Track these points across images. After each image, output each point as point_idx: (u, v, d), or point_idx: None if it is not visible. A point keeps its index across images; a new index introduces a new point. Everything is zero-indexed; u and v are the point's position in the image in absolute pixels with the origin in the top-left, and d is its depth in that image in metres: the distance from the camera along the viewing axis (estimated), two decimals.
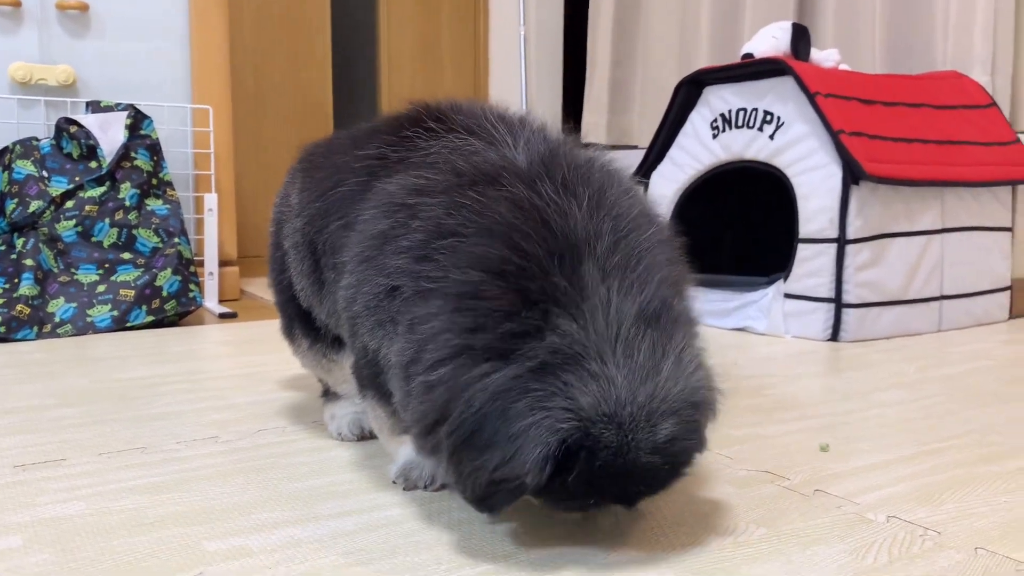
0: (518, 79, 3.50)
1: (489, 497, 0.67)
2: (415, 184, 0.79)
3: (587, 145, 0.87)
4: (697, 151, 2.05)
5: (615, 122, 3.35)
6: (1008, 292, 2.05)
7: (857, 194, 1.74)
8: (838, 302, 1.76)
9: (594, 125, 3.33)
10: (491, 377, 0.65)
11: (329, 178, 0.93)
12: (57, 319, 1.79)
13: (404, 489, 0.87)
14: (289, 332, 1.10)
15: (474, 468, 0.66)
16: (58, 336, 1.77)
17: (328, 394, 1.10)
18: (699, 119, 2.06)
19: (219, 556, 0.72)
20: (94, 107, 2.04)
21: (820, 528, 0.78)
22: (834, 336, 1.77)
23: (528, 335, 0.66)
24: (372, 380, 0.84)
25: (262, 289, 2.56)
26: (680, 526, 0.78)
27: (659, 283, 0.71)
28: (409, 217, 0.76)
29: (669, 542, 0.75)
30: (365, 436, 1.05)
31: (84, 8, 2.10)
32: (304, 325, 1.05)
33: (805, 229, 1.81)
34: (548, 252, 0.68)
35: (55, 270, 1.85)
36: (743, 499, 0.85)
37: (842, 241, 1.75)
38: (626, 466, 0.66)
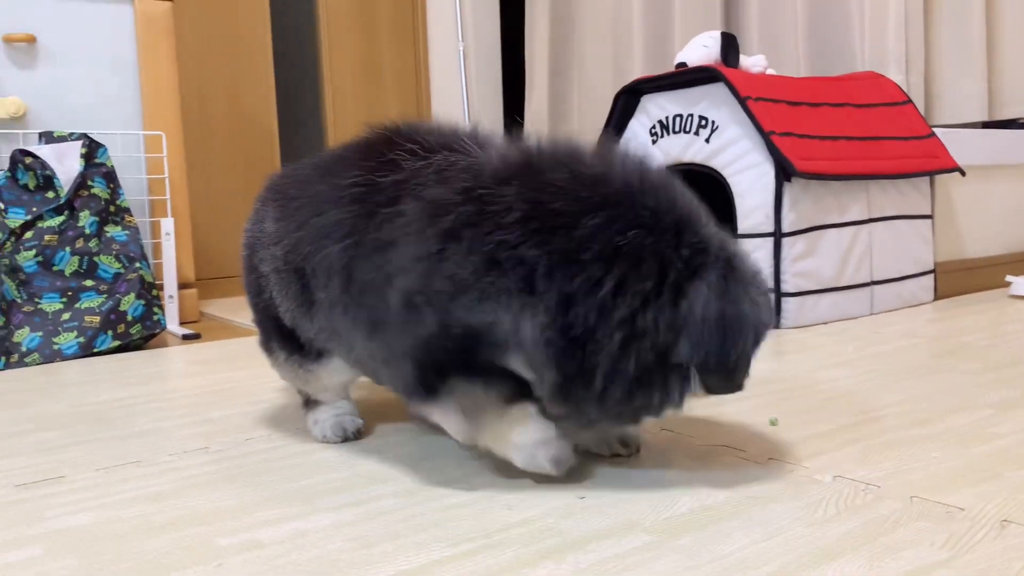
0: (459, 93, 3.59)
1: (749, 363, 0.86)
2: (459, 187, 0.86)
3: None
4: None
5: (557, 131, 3.45)
6: (932, 275, 2.19)
7: (789, 190, 1.87)
8: (777, 291, 1.88)
9: (536, 135, 3.42)
10: (703, 290, 0.82)
11: (307, 207, 0.99)
12: (24, 348, 1.81)
13: (557, 472, 0.88)
14: (267, 346, 1.16)
15: (740, 354, 0.83)
16: (26, 365, 1.79)
17: (309, 402, 1.16)
18: (639, 126, 2.17)
19: (233, 550, 0.78)
20: (48, 138, 2.05)
21: (775, 490, 0.87)
22: (776, 323, 1.89)
23: (705, 251, 0.83)
24: (455, 362, 0.86)
25: (222, 309, 2.59)
26: (650, 494, 0.87)
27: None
28: (483, 204, 0.83)
29: (640, 508, 0.83)
30: (348, 437, 1.11)
31: (32, 40, 2.11)
32: (280, 339, 1.11)
33: (743, 225, 1.92)
34: (655, 204, 0.84)
35: (19, 300, 1.86)
36: (705, 470, 0.94)
37: (778, 235, 1.87)
38: None
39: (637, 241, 0.81)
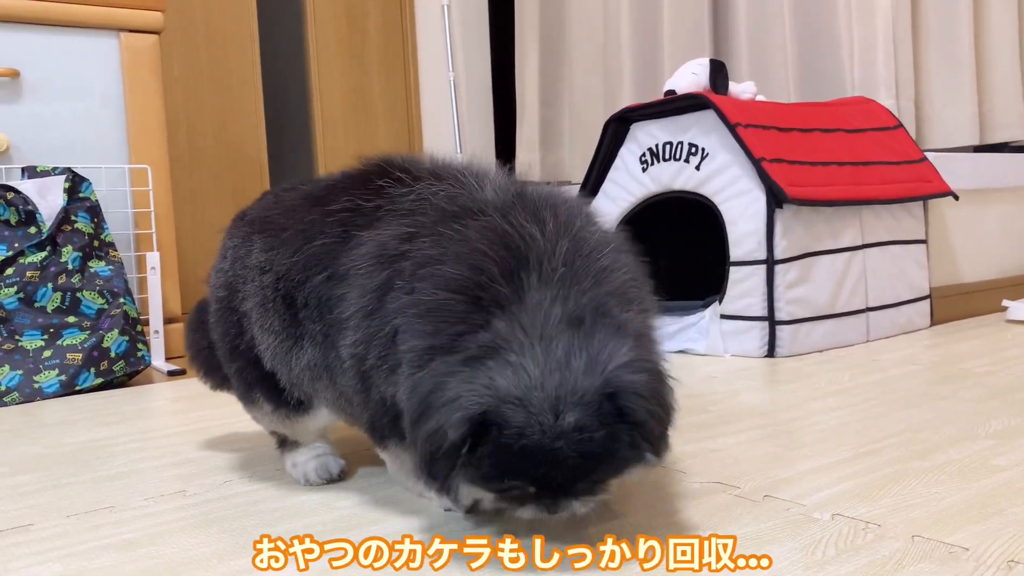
0: (450, 123, 3.58)
1: (431, 464, 0.75)
2: (405, 231, 0.86)
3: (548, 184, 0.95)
4: (628, 185, 2.14)
5: (547, 159, 3.44)
6: (928, 300, 2.17)
7: (781, 217, 1.84)
8: (771, 320, 1.85)
9: (527, 163, 3.41)
10: (435, 366, 0.76)
11: (300, 234, 0.96)
12: (3, 387, 1.77)
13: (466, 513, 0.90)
14: (248, 396, 1.07)
15: (417, 438, 0.75)
16: (5, 405, 1.75)
17: (285, 443, 1.10)
18: (628, 154, 2.15)
19: None
20: (30, 172, 2.03)
21: (772, 530, 0.84)
22: (770, 352, 1.86)
23: (471, 334, 0.75)
24: (392, 428, 0.86)
25: None
26: (642, 537, 0.83)
27: (602, 296, 0.79)
28: (404, 262, 0.83)
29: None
30: (333, 479, 1.07)
31: (15, 75, 2.09)
32: (266, 390, 1.03)
33: (735, 252, 1.90)
34: (502, 269, 0.77)
35: None
36: (699, 509, 0.91)
37: (770, 262, 1.85)
38: (533, 448, 0.71)
39: (437, 303, 0.80)
